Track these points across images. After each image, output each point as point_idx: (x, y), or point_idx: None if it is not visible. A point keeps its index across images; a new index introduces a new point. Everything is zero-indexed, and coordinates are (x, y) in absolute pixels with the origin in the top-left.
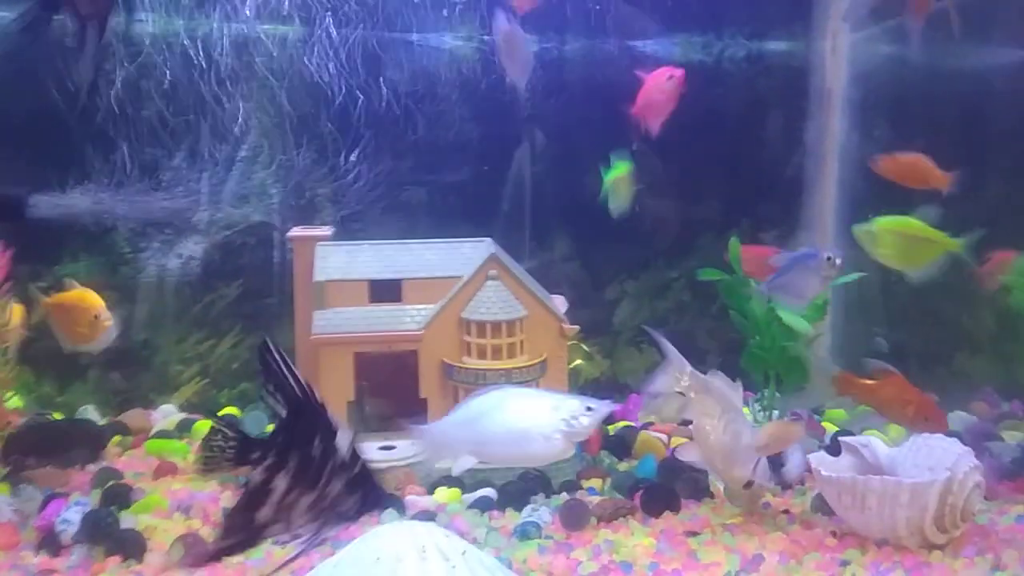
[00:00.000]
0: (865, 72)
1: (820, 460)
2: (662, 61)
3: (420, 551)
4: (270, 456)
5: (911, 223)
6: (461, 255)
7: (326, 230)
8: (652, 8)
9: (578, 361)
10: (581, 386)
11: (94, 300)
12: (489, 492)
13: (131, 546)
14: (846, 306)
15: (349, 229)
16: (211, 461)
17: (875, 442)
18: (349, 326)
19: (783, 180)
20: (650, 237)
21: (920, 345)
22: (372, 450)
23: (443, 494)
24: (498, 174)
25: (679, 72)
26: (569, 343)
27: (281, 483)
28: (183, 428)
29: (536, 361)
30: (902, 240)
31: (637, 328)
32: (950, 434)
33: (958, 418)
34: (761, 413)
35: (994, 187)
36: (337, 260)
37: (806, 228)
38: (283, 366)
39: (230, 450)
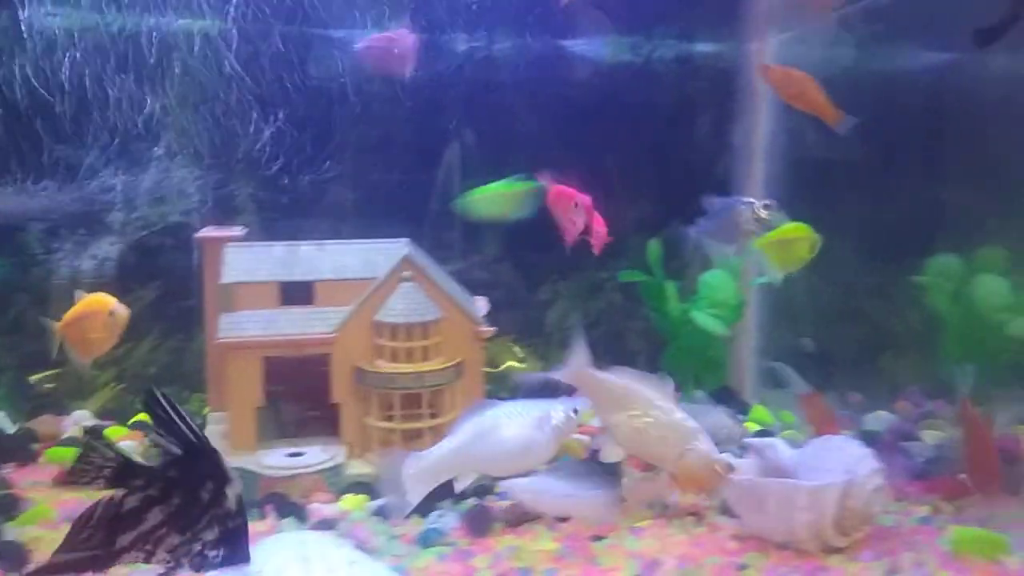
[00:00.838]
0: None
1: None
2: (592, 61)
3: (304, 562)
4: (153, 487)
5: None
6: (376, 256)
7: (237, 231)
8: (584, 9)
9: (510, 363)
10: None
11: (103, 299)
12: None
13: (11, 558)
14: (773, 306)
15: (272, 229)
16: (81, 475)
17: (779, 444)
18: (257, 329)
19: (712, 180)
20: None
21: (847, 345)
22: (281, 456)
23: (349, 501)
24: (428, 174)
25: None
26: (500, 346)
27: (155, 516)
28: (93, 436)
29: (451, 364)
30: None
31: (570, 329)
32: (869, 435)
33: (879, 418)
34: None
35: (919, 185)
36: (246, 261)
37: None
38: (173, 413)
39: (106, 470)
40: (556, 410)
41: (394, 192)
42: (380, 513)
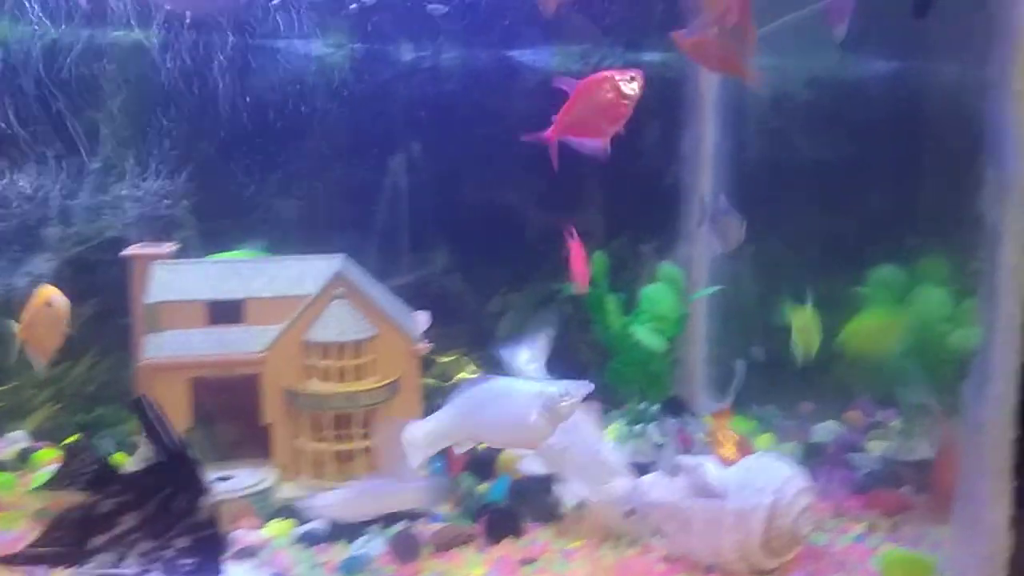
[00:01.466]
0: (738, 81)
1: (653, 483)
2: (539, 71)
3: None
4: (129, 493)
5: None
6: (309, 272)
7: (168, 247)
8: (530, 17)
9: (462, 375)
10: None
11: (42, 291)
12: (320, 524)
13: None
14: (723, 314)
15: (212, 244)
16: (63, 479)
17: (708, 464)
18: (184, 349)
19: (661, 189)
20: (532, 248)
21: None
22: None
23: (275, 527)
24: (374, 185)
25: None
26: (452, 359)
27: (129, 521)
28: (23, 458)
29: (385, 383)
30: None
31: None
32: (814, 447)
33: (827, 429)
34: (628, 427)
35: (867, 193)
36: (173, 279)
37: (684, 237)
38: (158, 421)
39: (87, 474)
40: (553, 388)
41: (341, 204)
42: (305, 539)
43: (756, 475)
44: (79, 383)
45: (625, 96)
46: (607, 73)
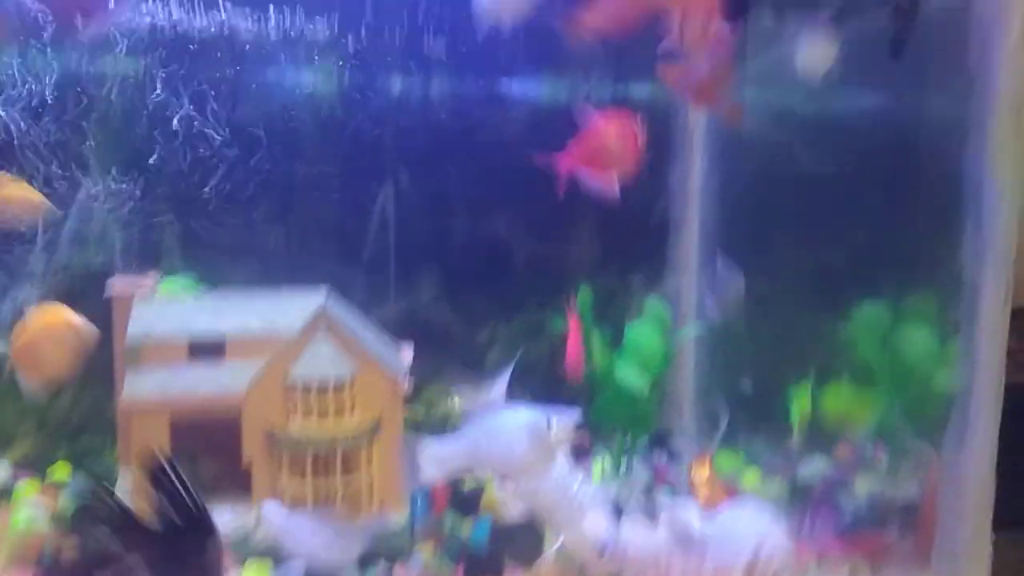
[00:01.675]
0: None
1: (631, 527)
2: (529, 102)
3: None
4: (148, 548)
5: None
6: (292, 307)
7: (150, 279)
8: (521, 48)
9: (448, 406)
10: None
11: (59, 312)
12: (296, 568)
13: None
14: (711, 346)
15: (199, 275)
16: (83, 522)
17: (690, 511)
18: (163, 387)
19: (649, 221)
20: (521, 278)
21: (788, 388)
22: None
23: (251, 570)
24: (362, 214)
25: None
26: (438, 390)
27: (137, 562)
28: (3, 492)
29: (366, 423)
30: None
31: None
32: (799, 488)
33: (815, 465)
34: (611, 464)
35: (856, 227)
36: (153, 315)
37: (672, 269)
38: (178, 483)
39: (109, 522)
40: (541, 418)
41: (327, 232)
42: None
43: (737, 526)
44: (63, 412)
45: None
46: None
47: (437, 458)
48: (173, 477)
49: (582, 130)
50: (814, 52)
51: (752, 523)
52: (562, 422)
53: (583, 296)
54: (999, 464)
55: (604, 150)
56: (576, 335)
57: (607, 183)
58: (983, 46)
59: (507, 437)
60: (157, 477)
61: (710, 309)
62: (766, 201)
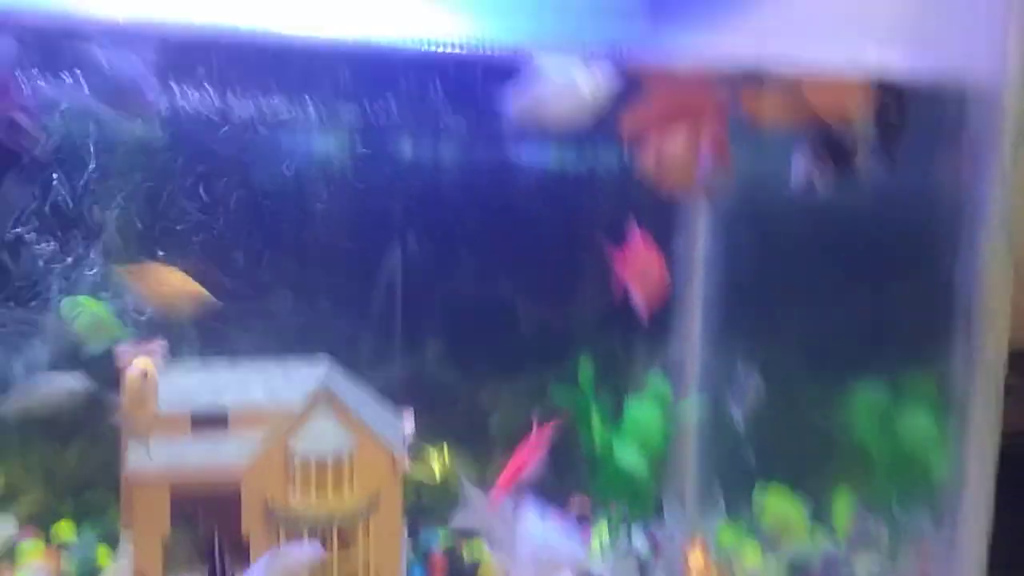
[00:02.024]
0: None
1: None
2: (538, 170)
3: None
4: None
5: None
6: (294, 378)
7: (156, 346)
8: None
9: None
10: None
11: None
12: None
13: None
14: (712, 421)
15: (201, 340)
16: None
17: None
18: (165, 459)
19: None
20: (526, 339)
21: (790, 461)
22: None
23: None
24: (367, 275)
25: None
26: (437, 453)
27: None
28: (8, 549)
29: (365, 498)
30: None
31: (512, 435)
32: (797, 567)
33: (815, 546)
34: (609, 535)
35: (859, 302)
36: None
37: (675, 337)
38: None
39: None
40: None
41: (329, 294)
42: None
43: None
44: (69, 468)
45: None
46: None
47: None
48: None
49: (627, 246)
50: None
51: None
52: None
53: (584, 369)
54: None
55: (647, 277)
56: (534, 447)
57: (644, 308)
58: (977, 136)
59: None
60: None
61: (735, 414)
62: (771, 274)
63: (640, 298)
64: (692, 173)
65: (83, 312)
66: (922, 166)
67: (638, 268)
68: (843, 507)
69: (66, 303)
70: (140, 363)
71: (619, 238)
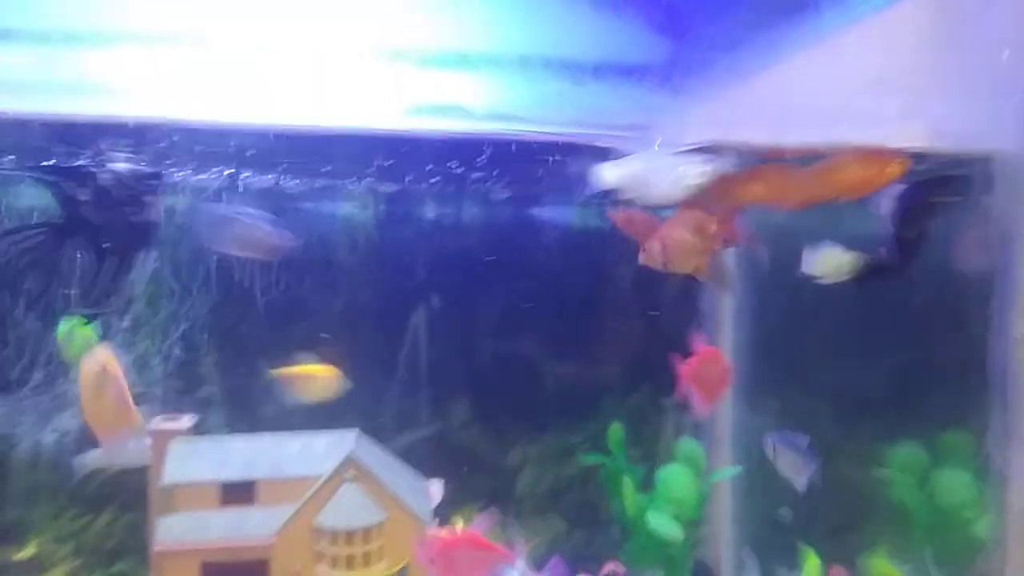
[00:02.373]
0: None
1: None
2: (560, 226)
3: None
4: None
5: None
6: (322, 451)
7: (186, 421)
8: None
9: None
10: None
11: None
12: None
13: None
14: (748, 479)
15: (228, 415)
16: None
17: None
18: (195, 533)
19: (682, 344)
20: (552, 400)
21: (827, 517)
22: None
23: None
24: (393, 339)
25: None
26: (466, 515)
27: None
28: None
29: (394, 569)
30: None
31: (540, 495)
32: None
33: None
34: None
35: (892, 353)
36: (187, 458)
37: None
38: None
39: None
40: None
41: (357, 360)
42: None
43: None
44: (98, 538)
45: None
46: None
47: None
48: None
49: (698, 354)
50: (826, 262)
51: None
52: None
53: (614, 434)
54: None
55: (708, 379)
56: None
57: (703, 404)
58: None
59: None
60: None
61: (796, 483)
62: (803, 337)
63: (700, 400)
64: (701, 258)
65: (76, 336)
66: (952, 233)
67: (701, 374)
68: (882, 568)
69: (61, 326)
70: (99, 356)
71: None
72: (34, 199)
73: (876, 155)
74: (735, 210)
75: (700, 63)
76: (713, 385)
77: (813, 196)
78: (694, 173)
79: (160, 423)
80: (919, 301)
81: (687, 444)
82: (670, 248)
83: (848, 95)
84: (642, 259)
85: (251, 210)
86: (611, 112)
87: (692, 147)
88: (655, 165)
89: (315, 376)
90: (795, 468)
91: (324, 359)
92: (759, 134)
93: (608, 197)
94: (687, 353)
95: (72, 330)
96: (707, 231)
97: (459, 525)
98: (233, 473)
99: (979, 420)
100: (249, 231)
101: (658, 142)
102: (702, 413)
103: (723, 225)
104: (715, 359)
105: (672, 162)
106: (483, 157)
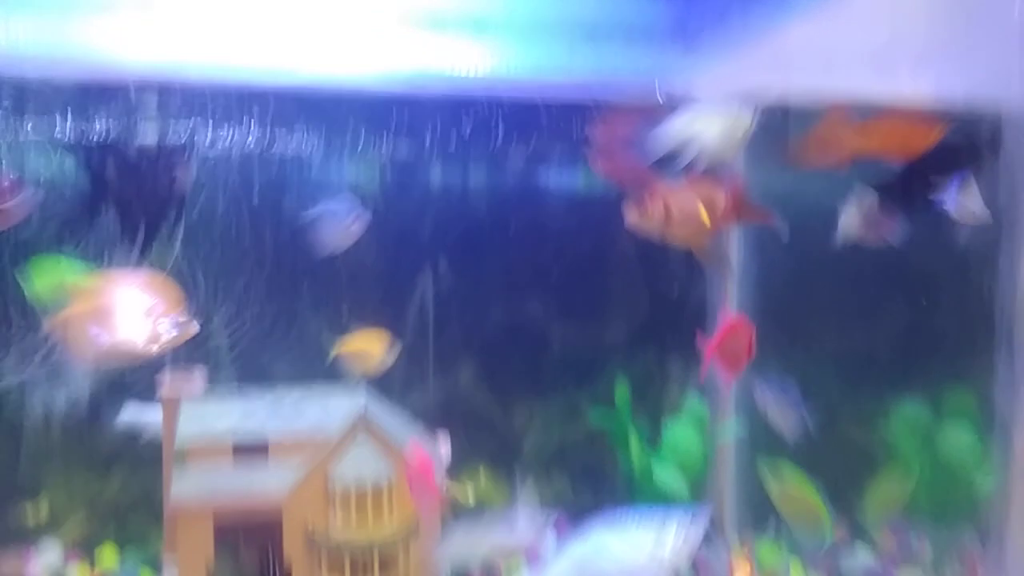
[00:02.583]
0: (766, 194)
1: None
2: (565, 189)
3: None
4: None
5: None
6: (333, 409)
7: (198, 380)
8: (550, 143)
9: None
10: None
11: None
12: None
13: None
14: (751, 436)
15: (232, 368)
16: None
17: None
18: (209, 490)
19: (687, 304)
20: (558, 360)
21: (831, 474)
22: None
23: None
24: (400, 297)
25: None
26: (471, 476)
27: None
28: None
29: (405, 524)
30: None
31: (546, 455)
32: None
33: (858, 558)
34: None
35: (898, 312)
36: (200, 417)
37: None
38: None
39: None
40: (670, 534)
41: (364, 317)
42: None
43: None
44: (113, 495)
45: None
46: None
47: None
48: None
49: (723, 326)
50: (854, 218)
51: None
52: (685, 532)
53: (621, 391)
54: None
55: (733, 350)
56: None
57: (727, 376)
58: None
59: (618, 554)
60: None
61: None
62: (808, 292)
63: (725, 370)
64: (705, 235)
65: (44, 274)
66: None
67: (726, 346)
68: (884, 522)
69: (32, 264)
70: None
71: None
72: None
73: (926, 118)
74: (743, 185)
75: (712, 21)
76: (739, 356)
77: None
78: (742, 123)
79: (171, 381)
80: (925, 257)
81: (692, 401)
82: (675, 217)
83: (859, 53)
84: (634, 219)
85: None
86: (623, 71)
87: (729, 97)
88: (702, 120)
89: (370, 349)
90: (783, 416)
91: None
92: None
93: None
94: (699, 319)
95: (41, 268)
96: (717, 204)
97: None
98: (244, 431)
99: (985, 373)
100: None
101: (660, 94)
102: (727, 384)
103: (734, 200)
104: (740, 329)
105: (718, 114)
106: (491, 119)
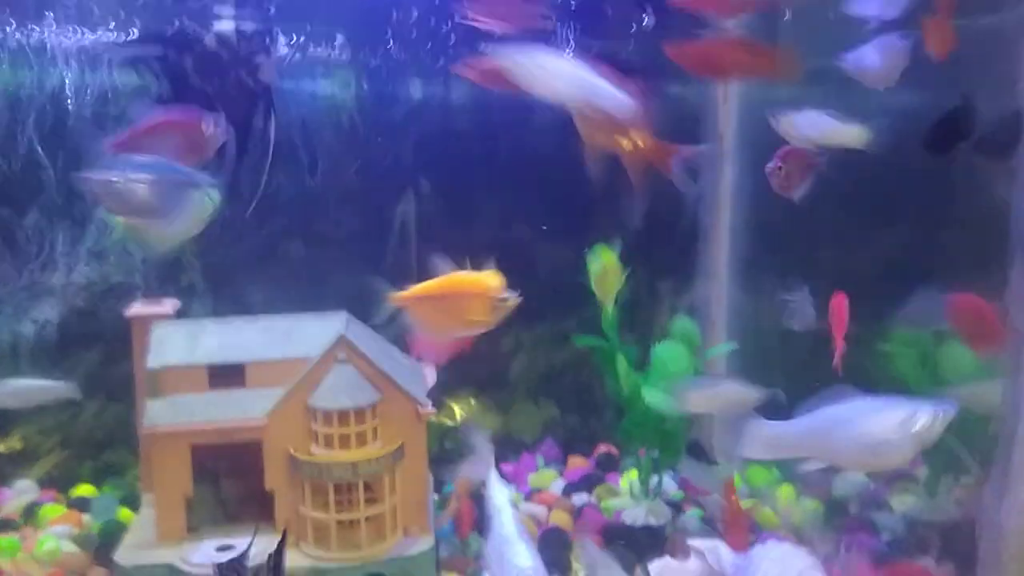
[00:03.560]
0: (756, 118)
1: (664, 567)
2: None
3: None
4: None
5: None
6: (312, 333)
7: (168, 305)
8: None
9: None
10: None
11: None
12: None
13: None
14: (742, 361)
15: (215, 295)
16: None
17: (721, 549)
18: (185, 416)
19: (678, 227)
20: (546, 285)
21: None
22: (209, 551)
23: None
24: (383, 220)
25: None
26: (460, 401)
27: None
28: (29, 514)
29: (389, 450)
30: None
31: (533, 381)
32: (835, 504)
33: (851, 483)
34: (640, 486)
35: (891, 234)
36: (172, 342)
37: (702, 276)
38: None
39: None
40: (922, 412)
41: (351, 244)
42: None
43: (771, 565)
44: (86, 429)
45: None
46: None
47: (768, 440)
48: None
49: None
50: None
51: (789, 561)
52: (937, 415)
53: (608, 316)
54: None
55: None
56: None
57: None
58: None
59: (862, 426)
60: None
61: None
62: (800, 209)
63: (839, 347)
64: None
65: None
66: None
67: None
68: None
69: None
70: None
71: None
72: None
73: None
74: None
75: None
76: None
77: None
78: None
79: (140, 306)
80: (937, 167)
81: (681, 322)
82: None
83: None
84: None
85: None
86: None
87: None
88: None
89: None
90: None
91: None
92: None
93: None
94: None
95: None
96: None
97: None
98: (220, 356)
99: (998, 283)
100: None
101: None
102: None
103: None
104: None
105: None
106: None
